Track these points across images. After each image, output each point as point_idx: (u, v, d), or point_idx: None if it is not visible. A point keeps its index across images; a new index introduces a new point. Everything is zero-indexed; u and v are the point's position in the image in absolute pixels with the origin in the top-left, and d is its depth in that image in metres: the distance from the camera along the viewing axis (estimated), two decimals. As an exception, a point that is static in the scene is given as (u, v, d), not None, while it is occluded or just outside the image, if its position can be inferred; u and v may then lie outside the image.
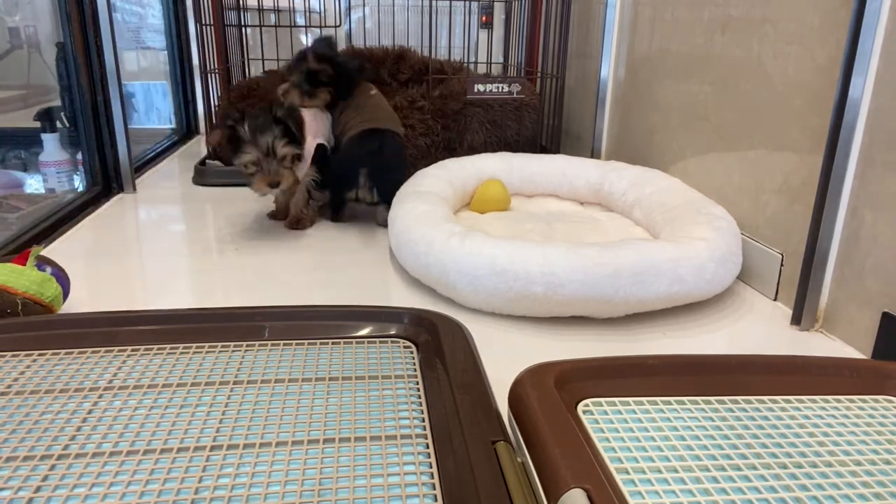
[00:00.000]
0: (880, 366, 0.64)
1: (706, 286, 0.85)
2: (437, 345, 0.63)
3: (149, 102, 2.10)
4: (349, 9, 2.06)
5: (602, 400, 0.55)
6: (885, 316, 0.75)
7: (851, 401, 0.58)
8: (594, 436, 0.50)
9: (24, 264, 0.78)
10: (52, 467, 0.47)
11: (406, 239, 0.93)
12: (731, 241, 0.90)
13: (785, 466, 0.48)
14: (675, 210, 1.02)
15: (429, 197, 1.04)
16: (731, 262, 0.88)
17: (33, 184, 1.48)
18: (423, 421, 0.53)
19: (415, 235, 0.91)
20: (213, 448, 0.49)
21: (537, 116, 1.63)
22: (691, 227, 0.92)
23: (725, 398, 0.56)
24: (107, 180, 1.40)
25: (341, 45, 1.92)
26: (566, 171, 1.29)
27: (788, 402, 0.57)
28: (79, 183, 1.43)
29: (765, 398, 0.57)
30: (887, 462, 0.49)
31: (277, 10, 1.95)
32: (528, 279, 0.80)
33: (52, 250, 1.07)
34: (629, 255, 0.81)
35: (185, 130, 2.11)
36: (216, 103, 1.59)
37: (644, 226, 1.11)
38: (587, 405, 0.54)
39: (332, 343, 0.66)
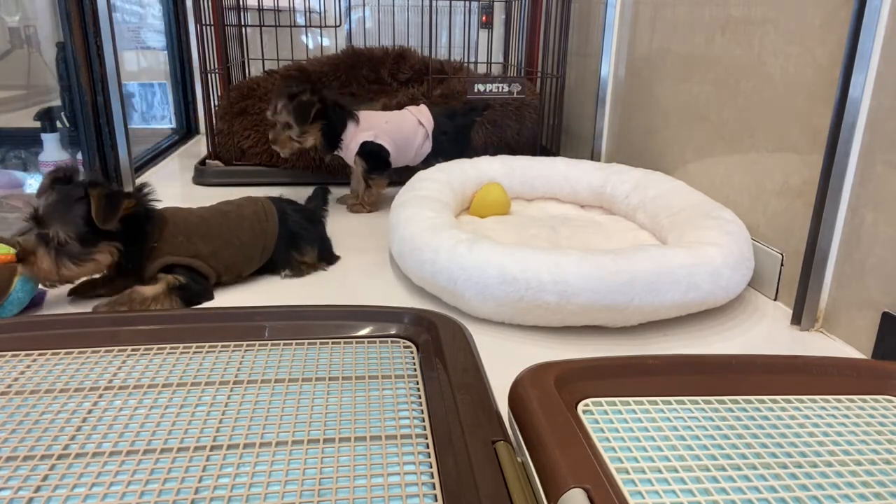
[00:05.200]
0: (880, 366, 0.64)
1: (721, 293, 0.84)
2: (438, 345, 0.63)
3: (149, 102, 2.10)
4: (349, 9, 2.06)
5: (602, 400, 0.55)
6: (886, 316, 0.75)
7: (852, 401, 0.57)
8: (594, 435, 0.50)
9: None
10: (52, 467, 0.47)
11: (410, 246, 0.91)
12: (744, 245, 0.89)
13: (785, 466, 0.48)
14: (681, 213, 1.01)
15: (430, 202, 1.03)
16: (744, 268, 0.87)
17: (33, 184, 1.48)
18: (423, 421, 0.53)
19: (419, 242, 0.90)
20: (213, 448, 0.49)
21: (537, 116, 1.63)
22: (701, 232, 0.91)
23: (725, 398, 0.56)
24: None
25: (342, 45, 1.92)
26: (568, 174, 1.28)
27: (788, 401, 0.57)
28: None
29: (765, 398, 0.57)
30: (887, 462, 0.49)
31: (277, 10, 1.95)
32: (540, 288, 0.79)
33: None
34: (644, 262, 0.80)
35: (186, 130, 2.11)
36: (216, 103, 1.59)
37: (649, 229, 1.10)
38: (587, 405, 0.54)
39: (332, 343, 0.66)
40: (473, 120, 1.47)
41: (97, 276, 0.88)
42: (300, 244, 1.00)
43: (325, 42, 2.12)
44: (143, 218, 0.85)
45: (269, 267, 0.98)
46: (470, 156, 1.33)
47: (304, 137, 1.27)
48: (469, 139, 1.46)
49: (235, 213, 0.95)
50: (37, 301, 0.86)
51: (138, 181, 0.83)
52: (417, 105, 1.41)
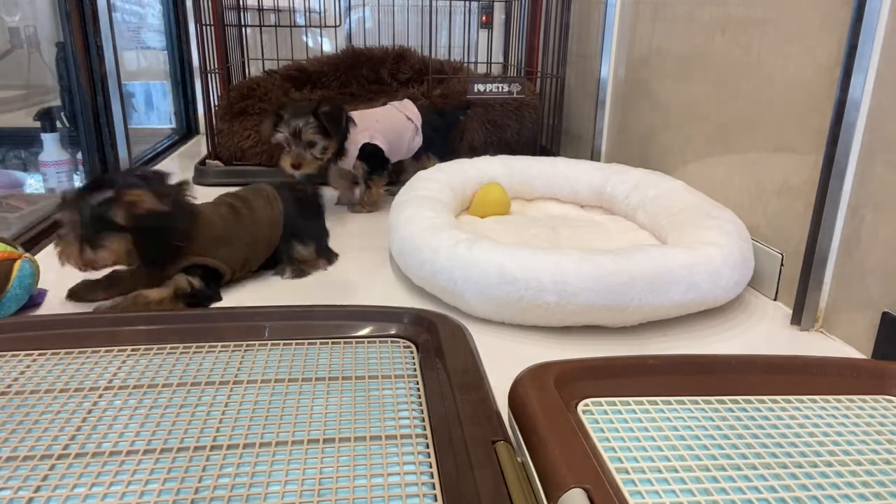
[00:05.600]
0: (880, 366, 0.64)
1: (721, 293, 0.84)
2: (437, 345, 0.63)
3: (149, 102, 2.11)
4: (349, 8, 2.06)
5: (602, 400, 0.55)
6: (885, 316, 0.75)
7: (851, 401, 0.58)
8: (594, 435, 0.50)
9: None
10: (52, 467, 0.47)
11: (410, 246, 0.91)
12: (744, 245, 0.89)
13: (785, 466, 0.48)
14: (681, 213, 1.01)
15: (430, 202, 1.03)
16: (744, 268, 0.87)
17: (33, 183, 1.48)
18: (423, 421, 0.53)
19: (419, 242, 0.90)
20: (212, 448, 0.49)
21: (537, 116, 1.63)
22: (701, 232, 0.91)
23: (725, 398, 0.56)
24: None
25: (342, 45, 1.93)
26: (567, 173, 1.28)
27: (788, 401, 0.57)
28: (79, 183, 1.43)
29: (765, 398, 0.57)
30: (887, 462, 0.49)
31: (277, 10, 1.95)
32: (540, 288, 0.78)
33: (52, 251, 1.06)
34: (644, 262, 0.80)
35: (185, 130, 2.11)
36: (216, 103, 1.59)
37: (649, 229, 1.10)
38: (587, 405, 0.54)
39: (332, 343, 0.66)
40: (458, 118, 1.51)
41: (97, 278, 0.88)
42: (301, 236, 1.00)
43: (325, 42, 2.12)
44: (171, 216, 0.84)
45: (272, 260, 0.98)
46: (470, 155, 1.33)
47: (327, 152, 1.22)
48: (451, 137, 1.49)
49: (247, 208, 0.95)
50: (37, 301, 0.86)
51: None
52: (401, 101, 1.40)
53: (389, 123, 1.33)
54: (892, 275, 0.75)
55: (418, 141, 1.37)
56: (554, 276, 0.79)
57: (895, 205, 0.74)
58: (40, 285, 0.86)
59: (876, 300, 0.77)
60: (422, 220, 0.95)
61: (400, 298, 0.92)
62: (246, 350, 0.64)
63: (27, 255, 0.83)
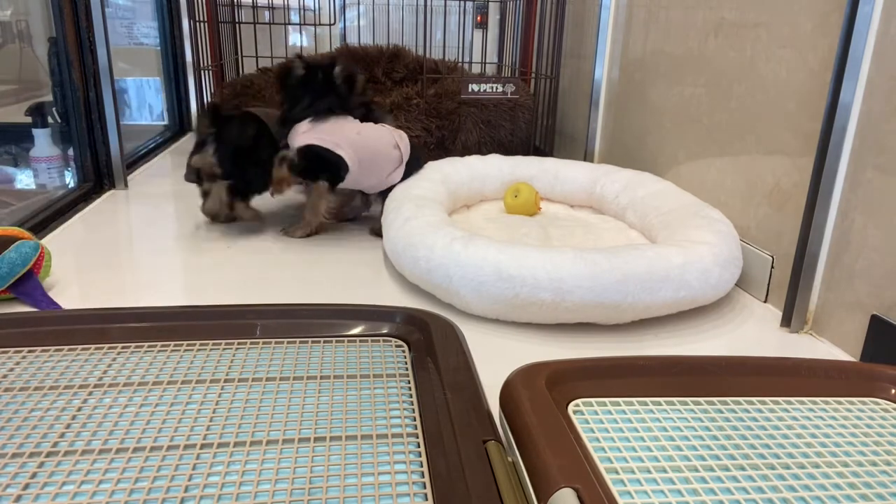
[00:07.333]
0: (868, 368, 0.64)
1: (711, 291, 0.85)
2: (429, 344, 0.63)
3: (141, 99, 2.09)
4: (343, 7, 2.06)
5: (593, 400, 0.55)
6: (874, 319, 0.75)
7: (839, 403, 0.58)
8: (584, 436, 0.50)
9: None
10: (41, 464, 0.47)
11: (404, 244, 0.92)
12: (733, 244, 0.90)
13: (773, 467, 0.48)
14: (671, 213, 1.02)
15: (424, 201, 1.03)
16: (733, 266, 0.89)
17: (24, 179, 1.47)
18: (415, 420, 0.53)
19: (414, 240, 0.90)
20: (203, 446, 0.49)
21: (531, 117, 1.64)
22: (691, 231, 0.92)
23: (715, 399, 0.57)
24: (98, 176, 1.39)
25: (335, 44, 1.92)
26: (557, 173, 1.29)
27: (777, 403, 0.57)
28: (70, 179, 1.42)
29: (754, 399, 0.57)
30: (874, 464, 0.50)
31: (271, 8, 1.95)
32: (536, 285, 0.79)
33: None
34: (637, 261, 0.81)
35: (178, 127, 2.10)
36: (209, 100, 1.59)
37: (639, 229, 1.11)
38: (578, 405, 0.54)
39: (324, 341, 0.66)
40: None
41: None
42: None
43: (320, 40, 2.12)
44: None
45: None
46: (463, 155, 1.33)
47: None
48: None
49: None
50: (29, 291, 0.85)
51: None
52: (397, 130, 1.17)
53: (373, 143, 1.10)
54: (881, 278, 0.75)
55: (397, 176, 1.13)
56: (550, 273, 0.79)
57: (885, 208, 0.75)
58: (56, 298, 0.85)
59: (865, 303, 0.77)
60: (416, 219, 0.95)
61: (393, 297, 0.92)
62: (237, 348, 0.64)
63: (42, 243, 0.87)
